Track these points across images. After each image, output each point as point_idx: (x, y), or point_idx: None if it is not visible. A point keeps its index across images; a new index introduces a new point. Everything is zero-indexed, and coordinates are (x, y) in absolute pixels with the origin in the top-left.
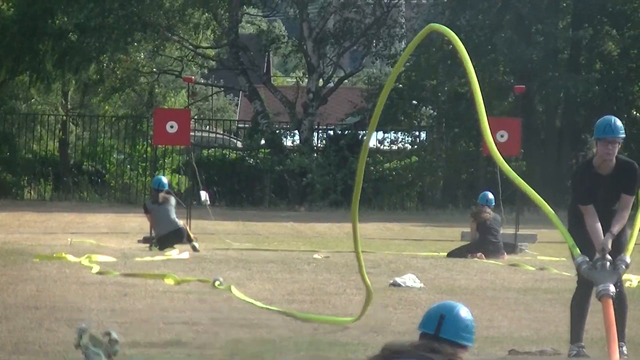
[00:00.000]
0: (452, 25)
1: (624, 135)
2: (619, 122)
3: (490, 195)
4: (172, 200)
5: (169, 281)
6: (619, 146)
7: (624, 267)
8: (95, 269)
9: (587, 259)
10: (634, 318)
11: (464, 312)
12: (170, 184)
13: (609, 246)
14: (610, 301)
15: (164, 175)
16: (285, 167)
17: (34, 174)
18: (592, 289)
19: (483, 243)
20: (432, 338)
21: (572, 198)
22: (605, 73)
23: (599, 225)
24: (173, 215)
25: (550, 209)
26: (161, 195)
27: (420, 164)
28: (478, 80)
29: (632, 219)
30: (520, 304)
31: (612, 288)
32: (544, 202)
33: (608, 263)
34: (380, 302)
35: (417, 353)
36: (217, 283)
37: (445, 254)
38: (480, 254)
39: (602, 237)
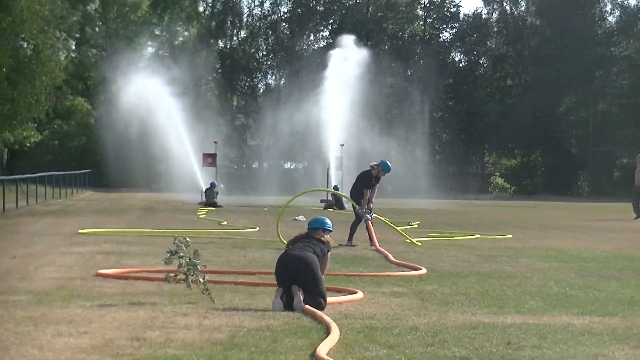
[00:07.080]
0: None
1: None
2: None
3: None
4: None
5: None
6: None
7: (369, 216)
8: None
9: (363, 209)
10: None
11: (328, 220)
12: None
13: (370, 206)
14: (370, 222)
15: None
16: None
17: None
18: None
19: None
20: (313, 229)
21: (359, 185)
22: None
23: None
24: None
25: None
26: None
27: None
28: None
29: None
30: None
31: (369, 217)
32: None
33: (371, 211)
34: None
35: (307, 238)
36: None
37: None
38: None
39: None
